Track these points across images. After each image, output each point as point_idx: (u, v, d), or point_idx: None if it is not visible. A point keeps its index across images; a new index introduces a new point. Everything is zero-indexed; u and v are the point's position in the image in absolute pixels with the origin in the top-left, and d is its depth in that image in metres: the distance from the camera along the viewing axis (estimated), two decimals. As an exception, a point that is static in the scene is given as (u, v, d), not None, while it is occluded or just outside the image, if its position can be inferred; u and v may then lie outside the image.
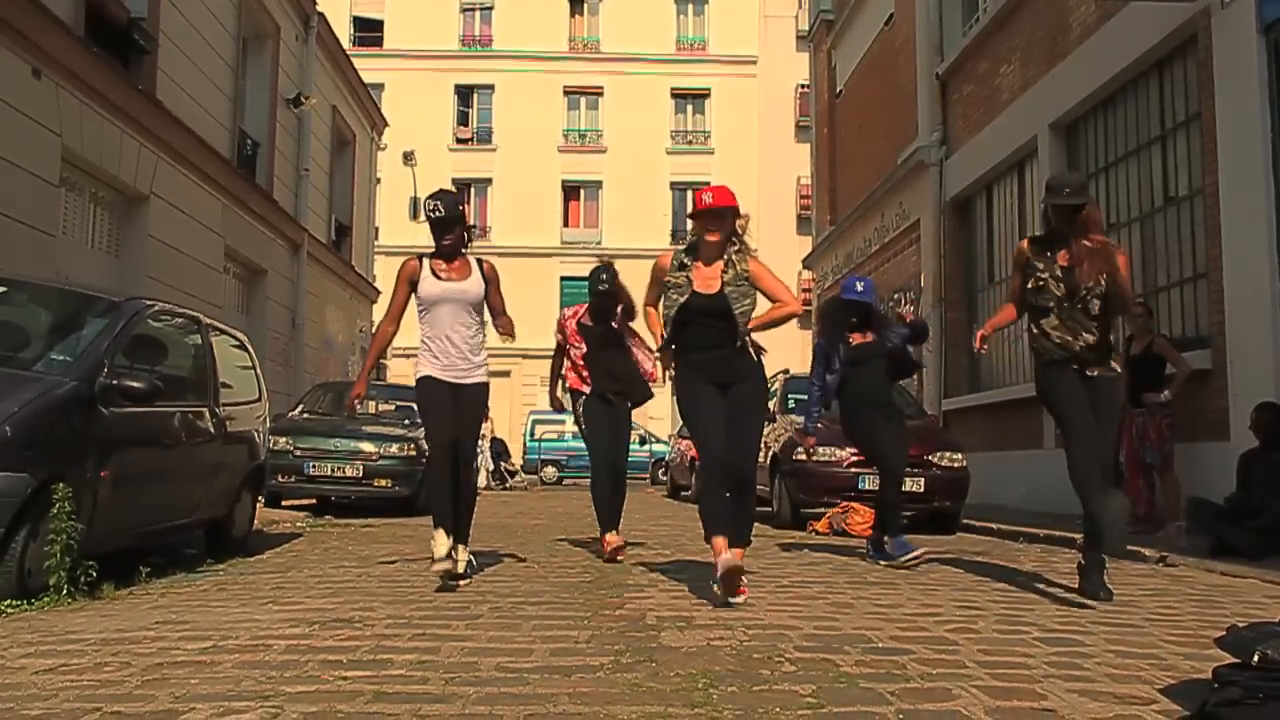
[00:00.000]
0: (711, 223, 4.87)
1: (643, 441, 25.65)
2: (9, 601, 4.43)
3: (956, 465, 9.34)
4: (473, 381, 5.48)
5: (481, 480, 20.33)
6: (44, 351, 5.59)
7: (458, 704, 2.77)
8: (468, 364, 5.46)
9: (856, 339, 6.77)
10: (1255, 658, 2.58)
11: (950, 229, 14.06)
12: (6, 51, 8.58)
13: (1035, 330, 5.03)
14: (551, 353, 7.28)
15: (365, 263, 22.74)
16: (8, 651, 3.49)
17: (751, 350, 4.94)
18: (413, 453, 10.97)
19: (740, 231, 4.94)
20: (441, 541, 5.15)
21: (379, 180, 23.90)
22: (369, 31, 35.03)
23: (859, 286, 6.83)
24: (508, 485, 20.39)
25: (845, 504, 8.95)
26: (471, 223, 5.45)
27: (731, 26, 35.57)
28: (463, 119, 35.71)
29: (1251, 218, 7.68)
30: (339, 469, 10.92)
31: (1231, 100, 7.96)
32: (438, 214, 5.29)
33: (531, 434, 26.97)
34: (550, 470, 25.79)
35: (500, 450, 20.92)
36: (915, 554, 6.30)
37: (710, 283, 4.87)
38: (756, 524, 5.71)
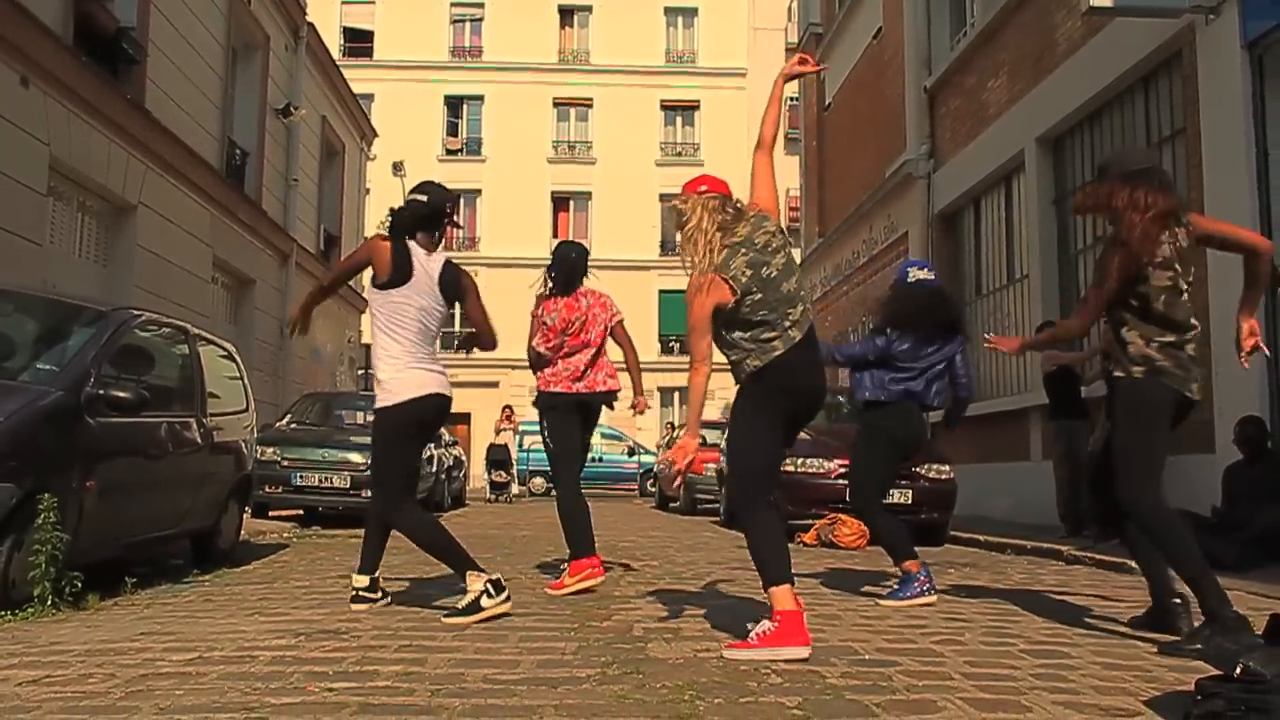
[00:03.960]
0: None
1: (631, 453, 25.63)
2: (-7, 613, 4.41)
3: (944, 477, 9.35)
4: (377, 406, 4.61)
5: (516, 489, 20.25)
6: (30, 361, 5.58)
7: (444, 716, 2.77)
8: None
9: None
10: (1238, 670, 2.60)
11: (938, 241, 14.12)
12: (-5, 60, 8.58)
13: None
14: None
15: (354, 273, 22.66)
16: (-9, 663, 3.47)
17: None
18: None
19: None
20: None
21: (368, 190, 23.90)
22: (359, 42, 35.05)
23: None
24: (502, 497, 20.03)
25: (833, 515, 8.96)
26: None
27: (721, 39, 35.74)
28: (452, 130, 35.74)
29: (1235, 232, 7.73)
30: (326, 479, 10.87)
31: (1216, 115, 8.03)
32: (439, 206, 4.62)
33: (520, 444, 26.87)
34: (539, 481, 25.67)
35: (500, 459, 20.39)
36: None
37: None
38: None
